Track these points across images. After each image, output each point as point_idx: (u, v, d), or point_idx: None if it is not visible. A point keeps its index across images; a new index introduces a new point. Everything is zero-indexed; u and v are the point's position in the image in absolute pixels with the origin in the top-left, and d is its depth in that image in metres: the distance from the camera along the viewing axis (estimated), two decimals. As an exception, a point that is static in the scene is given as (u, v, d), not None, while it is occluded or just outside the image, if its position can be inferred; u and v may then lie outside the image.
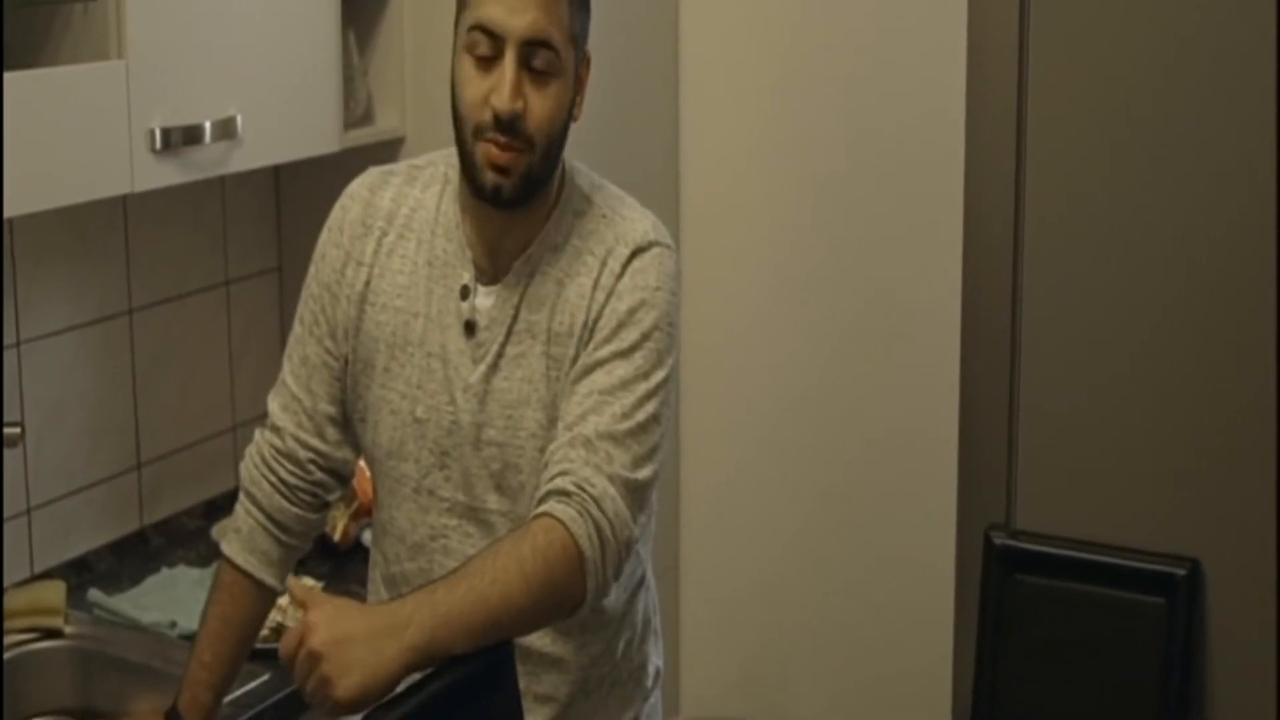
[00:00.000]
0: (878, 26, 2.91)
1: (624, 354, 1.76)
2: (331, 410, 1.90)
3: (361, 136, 2.63)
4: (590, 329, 1.78)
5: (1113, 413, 2.38)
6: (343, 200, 1.90)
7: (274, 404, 1.93)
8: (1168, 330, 2.34)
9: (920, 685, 2.94)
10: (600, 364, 1.76)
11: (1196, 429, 2.34)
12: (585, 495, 1.68)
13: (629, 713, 1.97)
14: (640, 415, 1.74)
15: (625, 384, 1.75)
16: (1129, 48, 2.32)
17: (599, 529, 1.66)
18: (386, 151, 2.68)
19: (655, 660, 2.02)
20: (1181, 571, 2.33)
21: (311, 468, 1.91)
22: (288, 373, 1.91)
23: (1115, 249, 2.36)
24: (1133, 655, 2.34)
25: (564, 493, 1.68)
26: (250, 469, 1.93)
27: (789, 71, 2.99)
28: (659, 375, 1.77)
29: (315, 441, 1.90)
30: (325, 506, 1.96)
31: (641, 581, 1.97)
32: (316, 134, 2.51)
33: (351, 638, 1.53)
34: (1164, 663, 2.32)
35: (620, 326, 1.76)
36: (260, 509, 1.91)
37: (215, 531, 2.66)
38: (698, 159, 3.09)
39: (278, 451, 1.91)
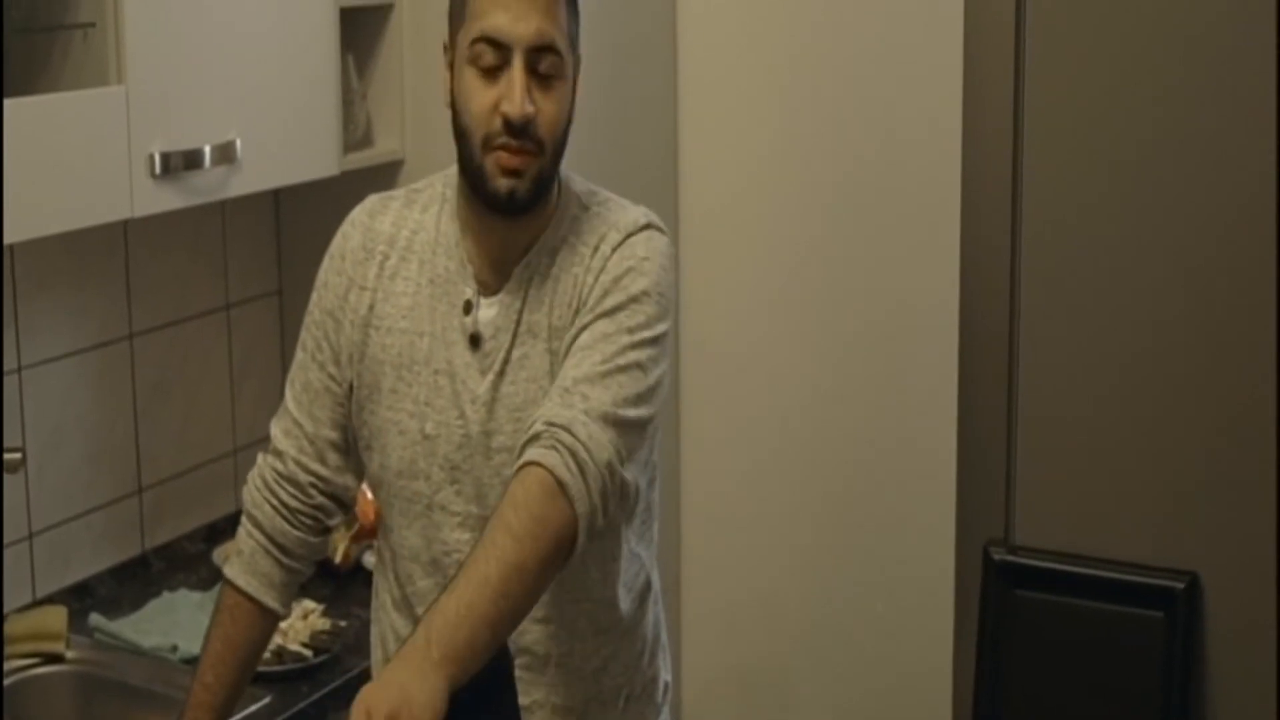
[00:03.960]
0: (874, 39, 2.91)
1: (607, 313, 1.76)
2: (333, 435, 1.91)
3: (361, 159, 2.64)
4: (581, 308, 1.79)
5: (1111, 428, 2.39)
6: (343, 228, 1.92)
7: (276, 429, 1.94)
8: (1166, 345, 2.35)
9: (920, 700, 2.94)
10: (584, 328, 1.76)
11: (1194, 443, 2.34)
12: (553, 427, 1.67)
13: None
14: (621, 360, 1.74)
15: (606, 336, 1.75)
16: (1123, 62, 2.33)
17: (573, 454, 1.65)
18: (386, 174, 2.69)
19: (665, 675, 2.03)
20: (1180, 585, 2.33)
21: (312, 491, 1.92)
22: (290, 399, 1.93)
23: (1112, 264, 2.37)
24: (1132, 669, 2.34)
25: (533, 437, 1.68)
26: (252, 492, 1.94)
27: (786, 83, 3.00)
28: (645, 333, 1.76)
29: (316, 466, 1.91)
30: (326, 531, 1.97)
31: (648, 587, 1.97)
32: (316, 157, 2.52)
33: (385, 681, 1.50)
34: (1163, 676, 2.32)
35: (605, 294, 1.77)
36: (262, 531, 1.92)
37: (216, 555, 2.66)
38: (696, 171, 3.10)
39: (279, 475, 1.92)
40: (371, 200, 1.93)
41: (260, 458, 1.96)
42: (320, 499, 1.92)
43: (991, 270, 2.43)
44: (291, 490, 1.91)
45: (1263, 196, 2.25)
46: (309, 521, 1.93)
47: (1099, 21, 2.32)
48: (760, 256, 3.07)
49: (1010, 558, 2.43)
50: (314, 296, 1.92)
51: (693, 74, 3.07)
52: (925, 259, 2.89)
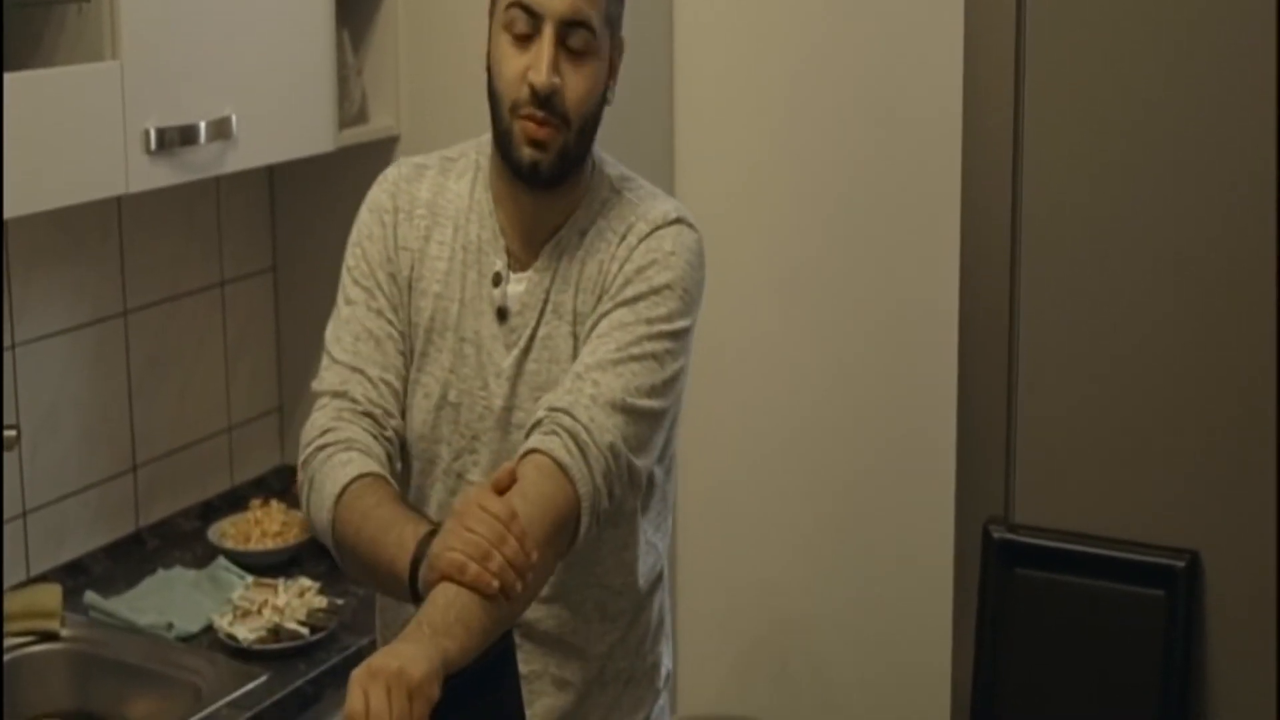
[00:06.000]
0: (873, 34, 2.90)
1: (627, 303, 1.77)
2: (396, 383, 1.83)
3: (356, 135, 2.63)
4: (604, 296, 1.79)
5: (1110, 405, 2.39)
6: (383, 186, 1.89)
7: (329, 382, 1.81)
8: (1164, 323, 2.35)
9: (920, 680, 2.94)
10: (604, 316, 1.77)
11: (1194, 421, 2.34)
12: (554, 412, 1.68)
13: (641, 712, 1.98)
14: (636, 350, 1.74)
15: (623, 325, 1.75)
16: (1124, 61, 2.32)
17: (574, 436, 1.66)
18: (381, 150, 2.68)
19: (666, 662, 2.03)
20: (1180, 564, 2.33)
21: (387, 423, 1.81)
22: (340, 354, 1.82)
23: (1111, 244, 2.36)
24: (1132, 648, 2.34)
25: (536, 423, 1.69)
26: (319, 432, 1.77)
27: (784, 79, 2.99)
28: (663, 325, 1.76)
29: (387, 403, 1.81)
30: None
31: (660, 578, 1.98)
32: (311, 133, 2.51)
33: (377, 653, 1.49)
34: (1164, 655, 2.32)
35: (627, 283, 1.78)
36: (357, 443, 1.76)
37: (212, 533, 2.65)
38: (692, 167, 3.09)
39: (355, 413, 1.78)
40: (406, 164, 1.91)
41: (316, 414, 1.80)
42: (393, 433, 1.81)
43: (991, 250, 2.42)
44: (367, 423, 1.79)
45: (1263, 184, 2.25)
46: (388, 448, 1.80)
47: (1100, 20, 2.32)
48: (758, 240, 3.06)
49: (1010, 536, 2.42)
50: (356, 252, 1.86)
51: (688, 69, 3.06)
52: (926, 239, 2.88)
